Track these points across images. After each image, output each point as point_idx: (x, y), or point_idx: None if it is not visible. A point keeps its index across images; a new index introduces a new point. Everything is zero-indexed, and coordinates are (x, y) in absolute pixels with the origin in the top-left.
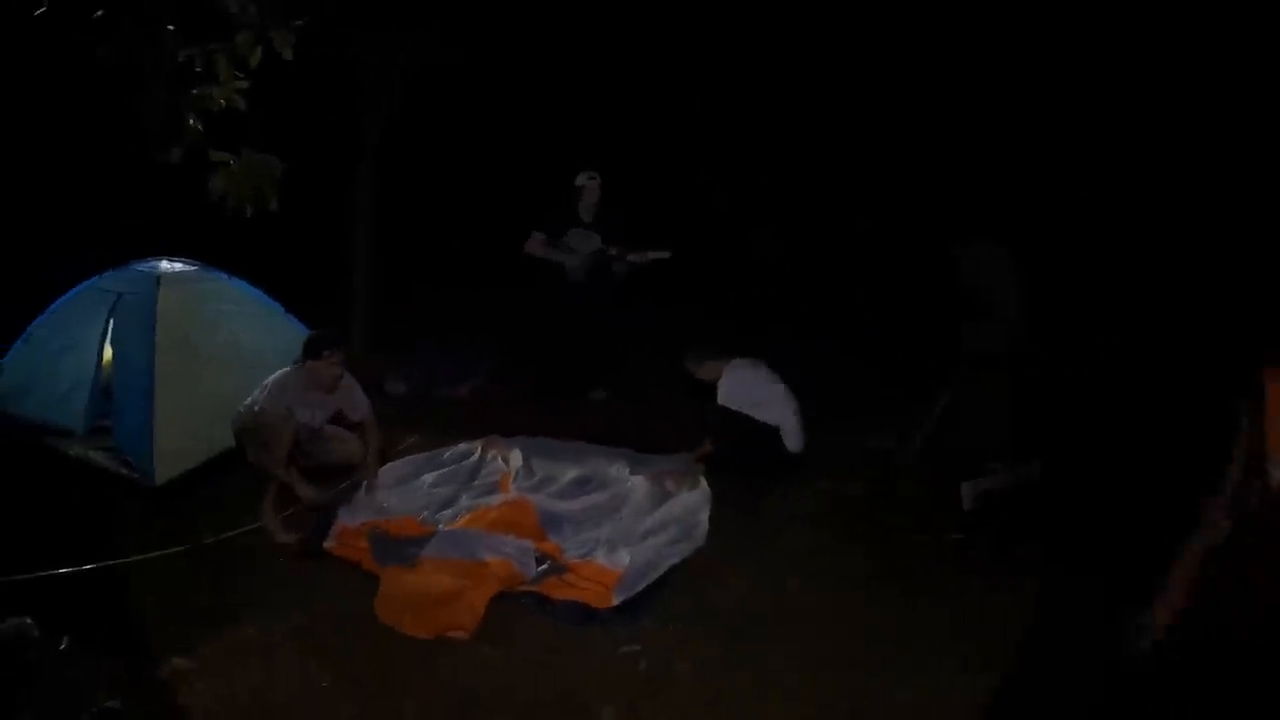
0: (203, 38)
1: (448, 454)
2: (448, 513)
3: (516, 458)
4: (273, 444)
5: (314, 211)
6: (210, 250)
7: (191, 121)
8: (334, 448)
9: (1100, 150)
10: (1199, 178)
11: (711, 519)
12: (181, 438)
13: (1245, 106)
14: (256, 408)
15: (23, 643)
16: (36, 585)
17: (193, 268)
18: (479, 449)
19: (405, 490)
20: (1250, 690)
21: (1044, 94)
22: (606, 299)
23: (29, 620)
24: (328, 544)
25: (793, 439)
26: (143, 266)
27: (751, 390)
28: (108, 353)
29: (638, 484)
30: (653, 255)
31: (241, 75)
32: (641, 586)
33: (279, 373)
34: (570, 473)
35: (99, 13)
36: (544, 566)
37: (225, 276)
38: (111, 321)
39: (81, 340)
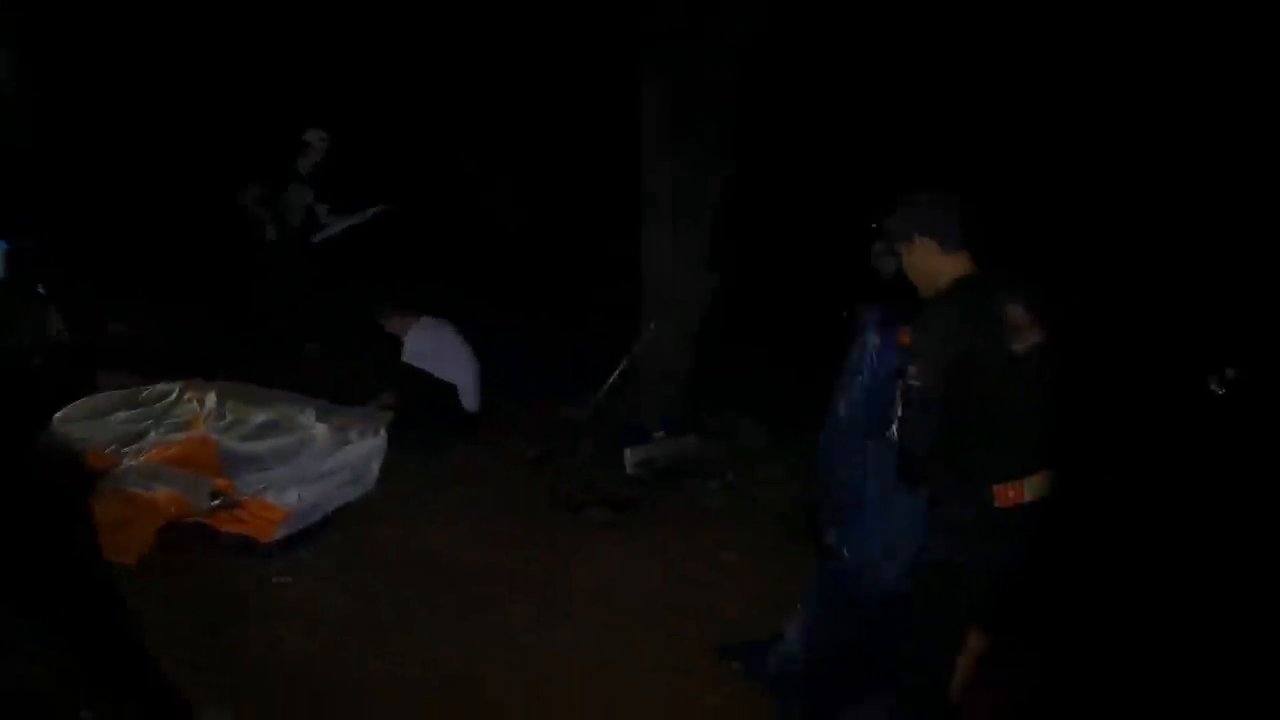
0: None
1: (145, 393)
2: (134, 447)
3: (211, 400)
4: None
5: None
6: None
7: None
8: None
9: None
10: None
11: (384, 467)
12: None
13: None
14: None
15: None
16: None
17: None
18: (177, 390)
19: (97, 425)
20: None
21: None
22: (298, 258)
23: None
24: None
25: (469, 398)
26: None
27: (434, 348)
28: None
29: (320, 430)
30: (371, 211)
31: None
32: (306, 524)
33: None
34: (260, 416)
35: None
36: (217, 501)
37: None
38: None
39: None
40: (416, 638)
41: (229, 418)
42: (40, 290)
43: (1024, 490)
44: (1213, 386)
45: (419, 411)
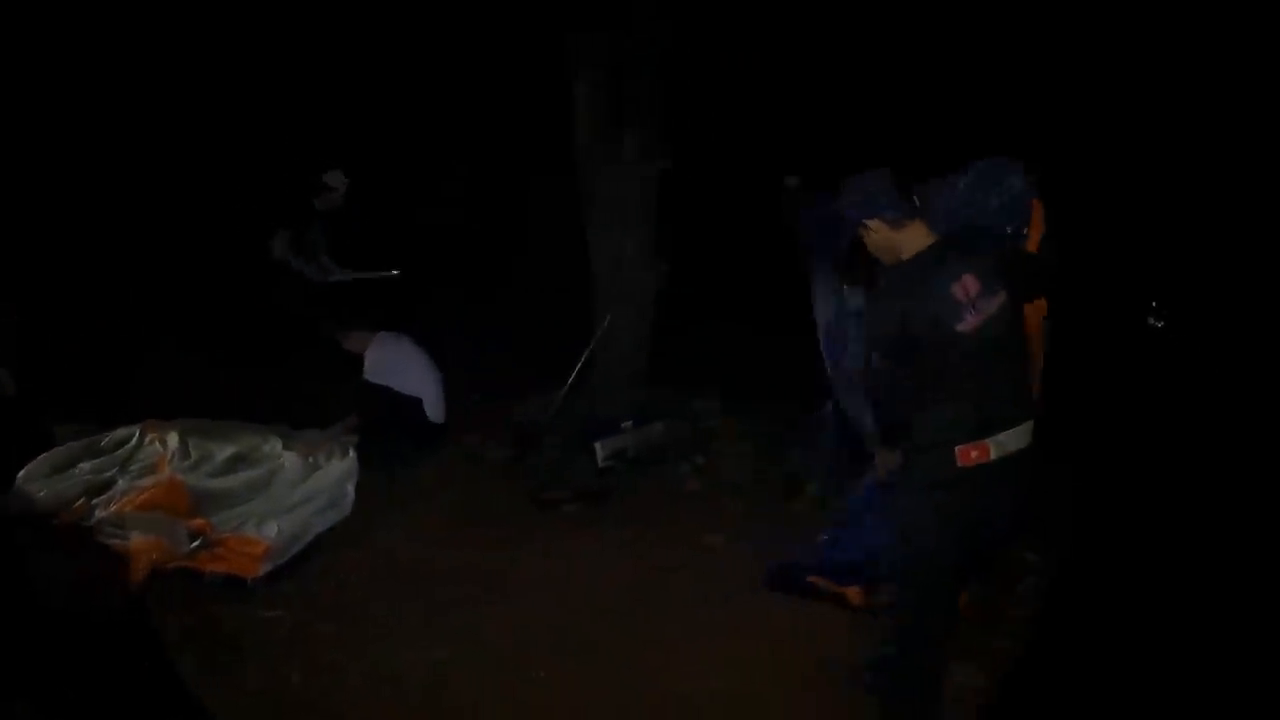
0: None
1: (105, 440)
2: (102, 498)
3: (173, 439)
4: None
5: None
6: None
7: None
8: None
9: None
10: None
11: (358, 488)
12: None
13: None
14: None
15: None
16: None
17: None
18: (137, 433)
19: (61, 479)
20: None
21: None
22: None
23: None
24: None
25: (434, 409)
26: None
27: (395, 363)
28: None
29: (289, 458)
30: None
31: None
32: (289, 555)
33: None
34: (226, 451)
35: None
36: (196, 542)
37: None
38: None
39: None
40: (410, 653)
41: (194, 456)
42: None
43: (989, 449)
44: (1151, 321)
45: (385, 427)
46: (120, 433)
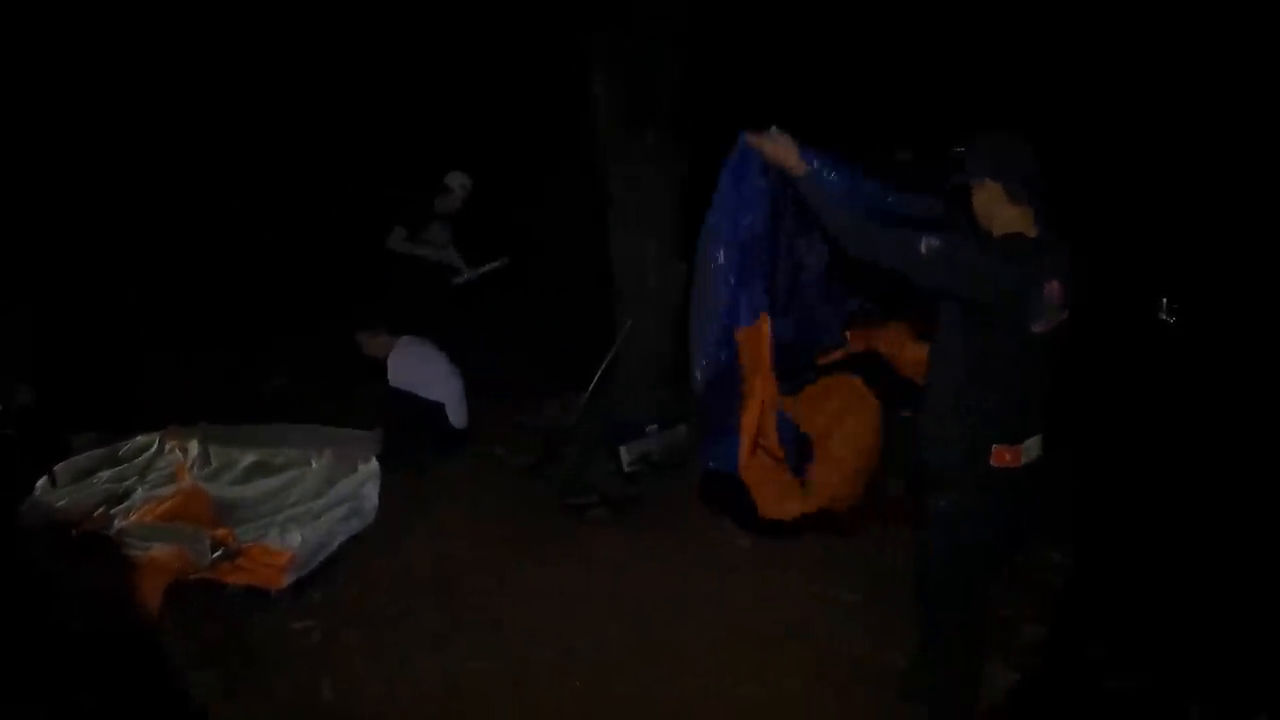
0: None
1: (125, 448)
2: (122, 507)
3: (194, 446)
4: None
5: None
6: None
7: None
8: None
9: None
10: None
11: (381, 494)
12: None
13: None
14: None
15: None
16: None
17: None
18: (157, 441)
19: (80, 489)
20: None
21: None
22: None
23: None
24: None
25: (456, 415)
26: None
27: (418, 368)
28: None
29: (312, 464)
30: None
31: None
32: (313, 564)
33: None
34: (247, 457)
35: None
36: (218, 553)
37: None
38: None
39: None
40: (438, 661)
41: (215, 463)
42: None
43: (1020, 455)
44: (1162, 316)
45: (408, 433)
46: (140, 440)
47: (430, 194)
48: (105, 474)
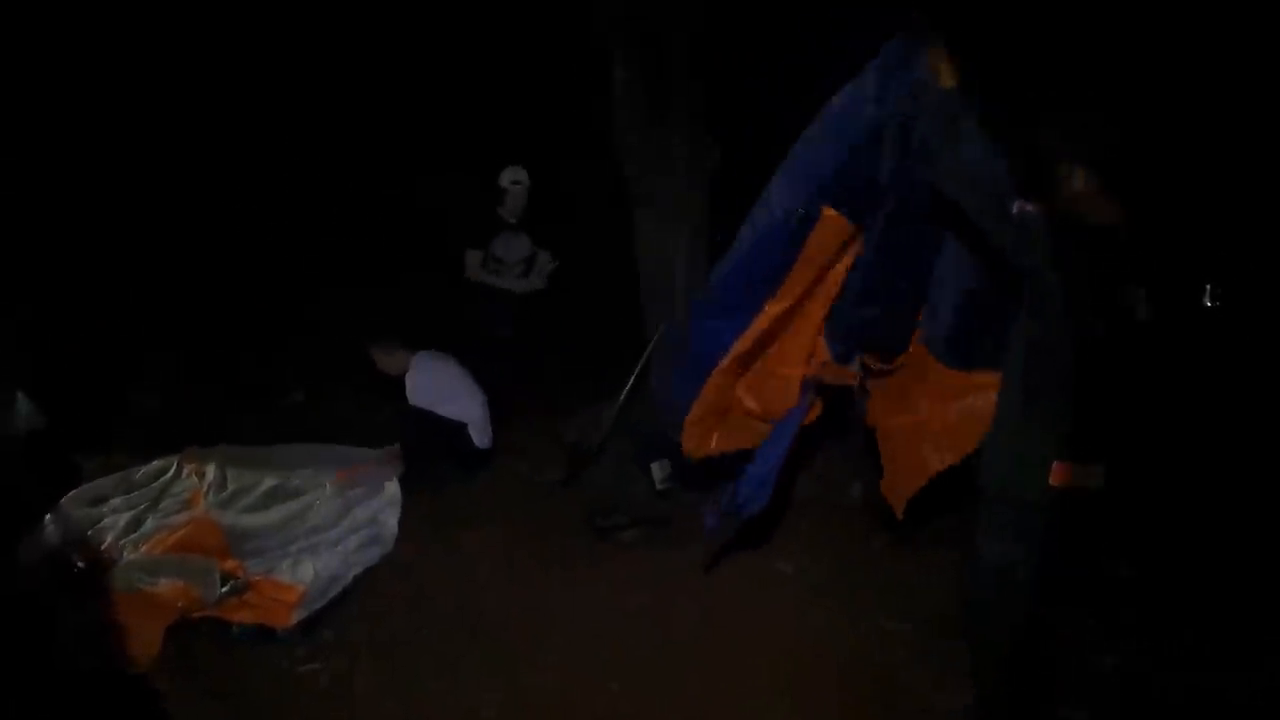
0: None
1: (140, 473)
2: (132, 538)
3: (212, 470)
4: None
5: None
6: None
7: None
8: None
9: None
10: None
11: (400, 521)
12: None
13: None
14: None
15: None
16: None
17: None
18: (175, 465)
19: (91, 516)
20: None
21: None
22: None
23: None
24: None
25: (480, 434)
26: None
27: (439, 386)
28: None
29: (329, 489)
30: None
31: None
32: (326, 599)
33: None
34: (264, 482)
35: None
36: (226, 587)
37: None
38: None
39: None
40: (461, 702)
41: (230, 488)
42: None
43: (1085, 473)
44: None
45: (430, 455)
46: (156, 464)
47: (488, 200)
48: (118, 501)
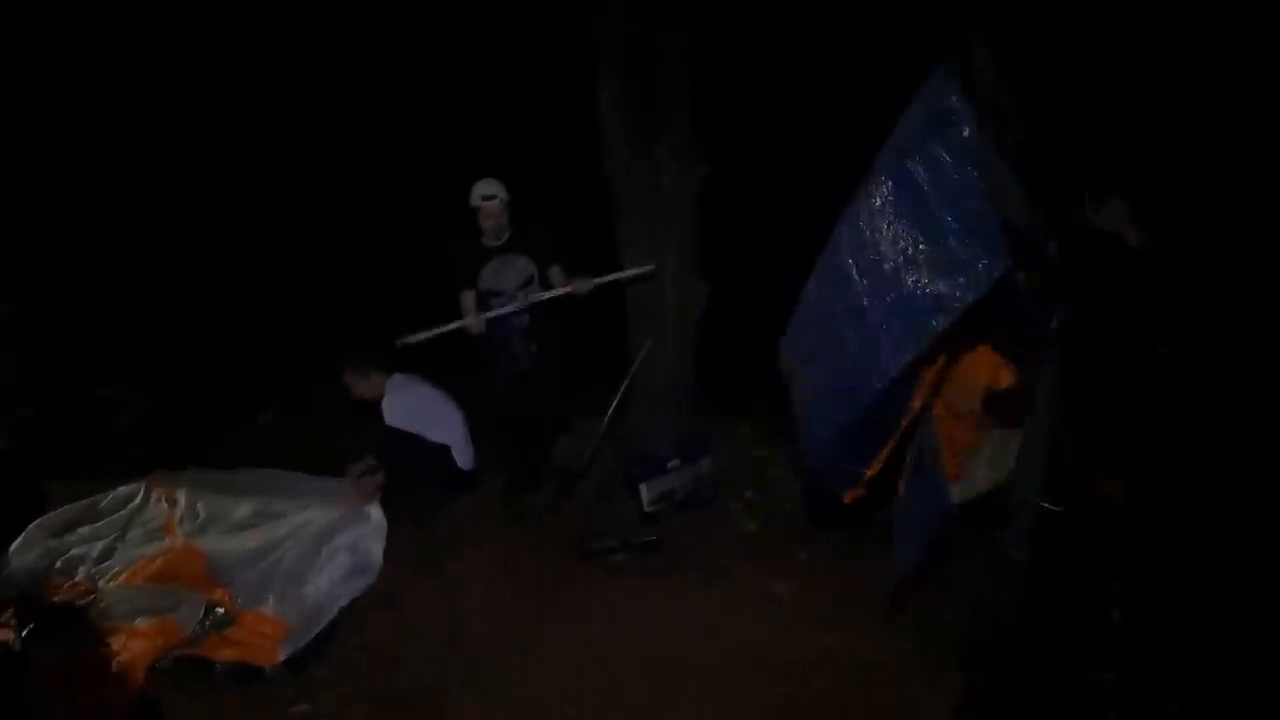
0: None
1: (106, 500)
2: (103, 567)
3: (182, 497)
4: None
5: None
6: None
7: None
8: None
9: None
10: None
11: (385, 549)
12: None
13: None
14: None
15: None
16: None
17: None
18: (142, 490)
19: (55, 548)
20: None
21: None
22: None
23: None
24: None
25: (463, 455)
26: None
27: (417, 408)
28: None
29: (309, 515)
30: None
31: None
32: (311, 635)
33: None
34: (240, 508)
35: None
36: (209, 620)
37: None
38: None
39: None
40: None
41: (203, 515)
42: None
43: (1108, 488)
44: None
45: (412, 480)
46: (123, 491)
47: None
48: (85, 530)
